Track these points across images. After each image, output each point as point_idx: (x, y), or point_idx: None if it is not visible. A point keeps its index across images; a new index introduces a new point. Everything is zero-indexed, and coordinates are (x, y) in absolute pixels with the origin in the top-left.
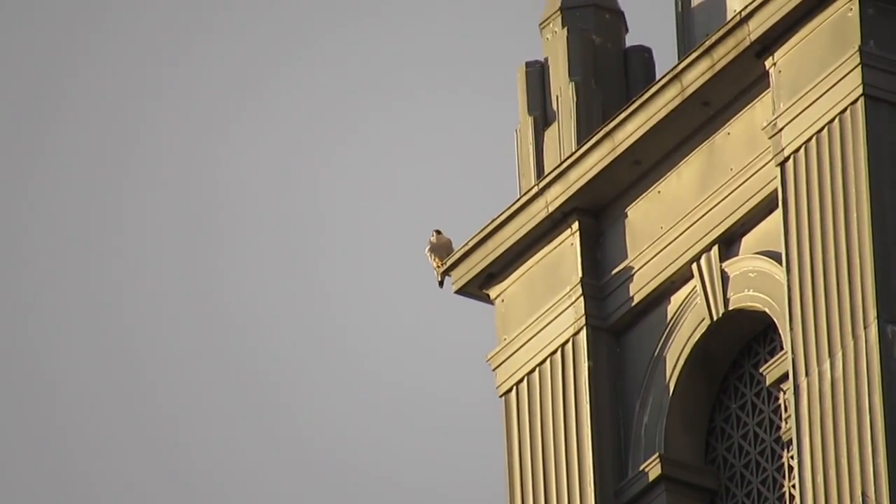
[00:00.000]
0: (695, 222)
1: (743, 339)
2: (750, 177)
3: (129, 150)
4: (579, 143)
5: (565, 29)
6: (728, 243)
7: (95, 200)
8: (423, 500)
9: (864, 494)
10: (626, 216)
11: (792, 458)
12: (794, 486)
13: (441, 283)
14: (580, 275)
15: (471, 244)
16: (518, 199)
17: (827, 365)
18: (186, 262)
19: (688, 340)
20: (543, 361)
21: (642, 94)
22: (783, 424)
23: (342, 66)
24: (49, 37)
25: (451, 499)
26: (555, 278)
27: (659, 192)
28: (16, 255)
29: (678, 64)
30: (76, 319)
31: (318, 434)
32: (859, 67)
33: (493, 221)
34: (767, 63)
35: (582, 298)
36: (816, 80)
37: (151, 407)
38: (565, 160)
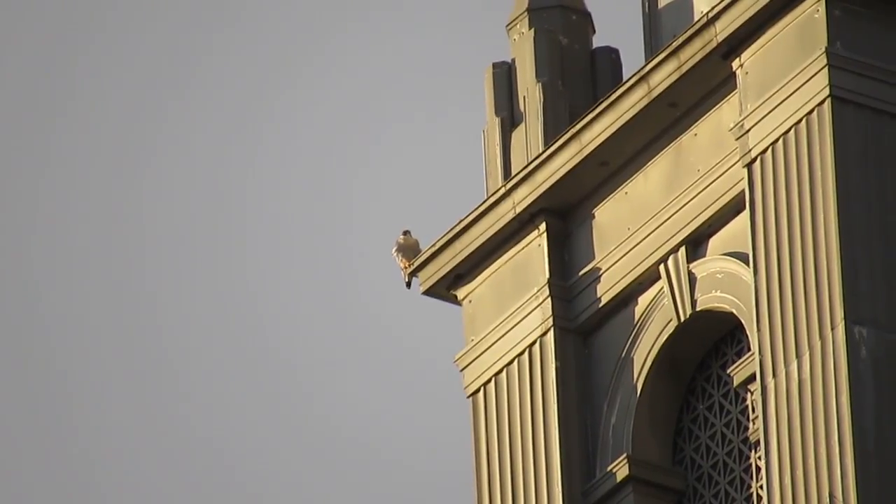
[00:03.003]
0: (662, 223)
1: (710, 340)
2: (717, 178)
3: (151, 152)
4: (546, 144)
5: (532, 30)
6: (695, 244)
7: (115, 201)
8: (388, 499)
9: (831, 495)
10: (593, 217)
11: (759, 458)
12: (761, 487)
13: (409, 285)
14: (547, 276)
15: (438, 245)
16: (485, 200)
17: (794, 366)
18: (191, 259)
19: (655, 341)
20: (511, 362)
21: (609, 96)
22: (751, 425)
23: (310, 71)
24: (73, 38)
25: (417, 499)
26: (522, 279)
27: (626, 193)
28: (36, 254)
29: (645, 65)
30: (93, 317)
31: (300, 430)
32: (826, 69)
33: (460, 222)
34: (734, 64)
35: (549, 299)
36: (783, 82)
37: (168, 404)
38: (532, 161)
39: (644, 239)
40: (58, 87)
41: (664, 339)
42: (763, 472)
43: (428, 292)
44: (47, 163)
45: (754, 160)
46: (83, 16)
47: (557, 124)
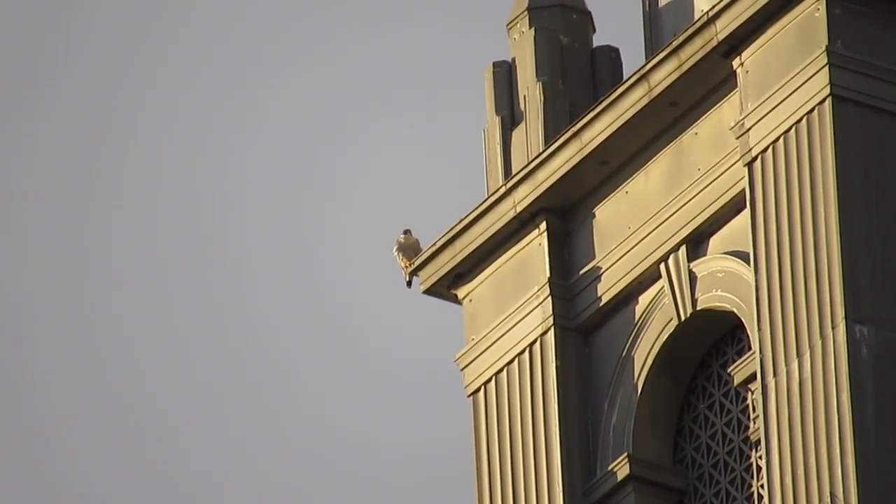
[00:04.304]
0: (662, 222)
1: (711, 339)
2: (717, 177)
3: (122, 151)
4: (547, 143)
5: (532, 29)
6: (696, 243)
7: (89, 201)
8: (388, 498)
9: (832, 494)
10: (593, 216)
11: (760, 458)
12: (762, 487)
13: (409, 284)
14: (548, 275)
15: (439, 244)
16: (486, 199)
17: (795, 365)
18: (176, 262)
19: (656, 340)
20: (511, 361)
21: (610, 94)
22: (751, 424)
23: (310, 68)
24: (45, 33)
25: (417, 498)
26: (523, 278)
27: (627, 192)
28: (10, 256)
29: (646, 64)
30: (70, 321)
31: (300, 432)
32: (827, 67)
33: (461, 221)
34: (735, 63)
35: (550, 298)
36: (784, 80)
37: (147, 408)
38: (533, 160)
39: (644, 238)
40: (33, 84)
41: (665, 338)
42: (764, 471)
43: (428, 291)
44: (21, 161)
45: (755, 159)
46: (61, 10)
47: (558, 123)
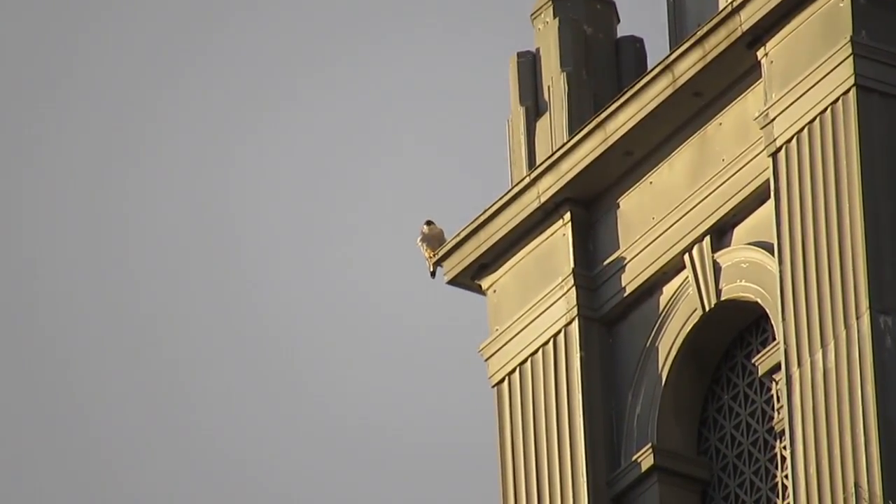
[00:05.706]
0: (687, 213)
1: (735, 329)
2: (742, 167)
3: (147, 154)
4: (571, 134)
5: (557, 19)
6: (720, 234)
7: (108, 200)
8: (414, 490)
9: (856, 485)
10: (618, 207)
11: (784, 448)
12: (786, 477)
13: (433, 274)
14: (572, 265)
15: (463, 234)
16: (510, 190)
17: (819, 355)
18: (202, 258)
19: (680, 331)
20: (535, 352)
21: (634, 85)
22: (776, 415)
23: (334, 55)
24: (60, 37)
25: (441, 489)
26: (547, 269)
27: (651, 182)
28: (35, 254)
29: (670, 54)
30: (94, 317)
31: (324, 424)
32: (851, 58)
33: (485, 212)
34: (759, 53)
35: (574, 289)
36: (808, 71)
37: (172, 402)
38: (557, 150)
39: (669, 228)
40: (49, 86)
41: (689, 328)
42: (788, 461)
43: (452, 282)
44: (42, 163)
45: (779, 149)
46: (75, 13)
47: (582, 114)
